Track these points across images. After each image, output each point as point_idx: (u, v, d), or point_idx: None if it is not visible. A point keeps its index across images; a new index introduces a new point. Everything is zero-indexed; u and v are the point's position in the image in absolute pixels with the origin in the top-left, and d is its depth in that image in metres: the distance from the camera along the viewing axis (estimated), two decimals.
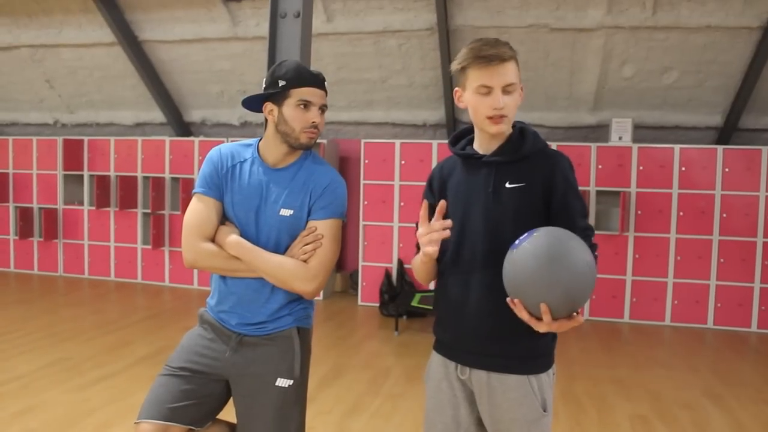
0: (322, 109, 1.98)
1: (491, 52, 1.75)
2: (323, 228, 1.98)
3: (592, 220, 6.50)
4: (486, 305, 1.79)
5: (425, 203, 1.78)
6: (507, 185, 1.80)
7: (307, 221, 1.99)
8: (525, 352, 1.79)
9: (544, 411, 1.79)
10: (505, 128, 1.82)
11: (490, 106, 1.77)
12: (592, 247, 1.76)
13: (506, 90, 1.77)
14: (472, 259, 1.82)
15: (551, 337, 1.82)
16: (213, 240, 1.99)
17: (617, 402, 4.21)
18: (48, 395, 3.99)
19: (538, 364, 1.81)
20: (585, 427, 3.76)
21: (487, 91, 1.77)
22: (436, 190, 1.95)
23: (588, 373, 4.81)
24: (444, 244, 1.82)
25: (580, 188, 1.88)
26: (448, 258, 1.87)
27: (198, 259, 1.98)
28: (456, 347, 1.87)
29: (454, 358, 1.87)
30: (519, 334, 1.76)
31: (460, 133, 1.97)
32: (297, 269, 1.93)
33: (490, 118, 1.79)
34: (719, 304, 6.34)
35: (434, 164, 6.76)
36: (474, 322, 1.80)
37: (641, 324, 6.45)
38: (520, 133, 1.85)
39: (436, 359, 1.93)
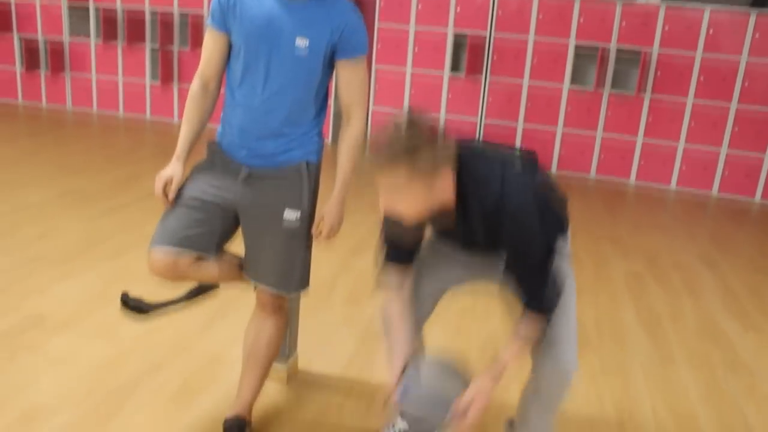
0: None
1: (375, 164, 1.62)
2: (360, 65, 2.00)
3: (608, 79, 6.35)
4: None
5: None
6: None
7: (331, 57, 1.96)
8: None
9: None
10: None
11: None
12: (543, 320, 1.75)
13: None
14: None
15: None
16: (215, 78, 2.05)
17: (614, 259, 4.33)
18: (61, 222, 4.11)
19: None
20: (580, 280, 3.88)
21: None
22: None
23: (589, 229, 4.90)
24: None
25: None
26: None
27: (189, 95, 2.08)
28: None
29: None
30: None
31: None
32: (360, 135, 2.07)
33: None
34: (727, 173, 6.33)
35: (451, 11, 6.52)
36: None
37: (647, 186, 6.48)
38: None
39: None
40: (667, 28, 6.17)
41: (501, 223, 1.65)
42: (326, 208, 2.06)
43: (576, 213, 5.36)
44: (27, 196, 4.56)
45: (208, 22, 2.01)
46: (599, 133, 6.51)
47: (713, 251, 4.70)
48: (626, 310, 3.54)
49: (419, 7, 6.64)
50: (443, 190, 1.63)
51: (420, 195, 1.60)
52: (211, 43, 2.00)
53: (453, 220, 1.74)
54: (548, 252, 1.74)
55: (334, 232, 2.07)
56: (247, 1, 1.93)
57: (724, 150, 6.29)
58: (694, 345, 3.19)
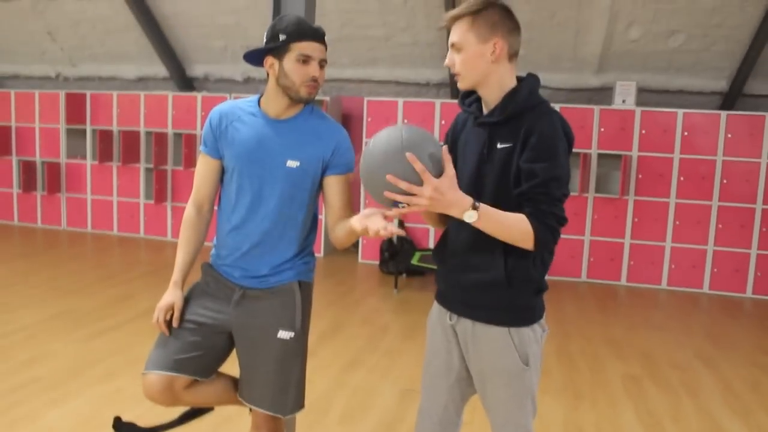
0: (322, 63, 1.99)
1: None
2: (347, 180, 2.07)
3: (592, 183, 6.53)
4: (470, 258, 1.82)
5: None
6: (498, 146, 1.77)
7: (321, 175, 2.04)
8: (506, 304, 1.81)
9: (526, 365, 1.81)
10: None
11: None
12: (543, 230, 1.66)
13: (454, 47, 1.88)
14: None
15: (532, 292, 1.84)
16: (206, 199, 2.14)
17: (610, 361, 4.30)
18: (54, 345, 4.08)
19: (519, 316, 1.82)
20: (578, 385, 3.85)
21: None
22: (449, 140, 1.97)
23: (583, 332, 4.90)
24: None
25: (574, 151, 1.85)
26: None
27: (183, 220, 2.16)
28: (447, 296, 1.93)
29: (445, 306, 1.93)
30: (500, 287, 1.78)
31: (469, 91, 1.94)
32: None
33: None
34: (716, 270, 6.40)
35: (437, 123, 6.78)
36: (459, 273, 1.85)
37: (638, 287, 6.52)
38: (512, 92, 1.79)
39: (435, 305, 2.00)
40: (644, 131, 6.42)
41: (531, 124, 1.71)
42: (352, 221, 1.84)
43: (569, 316, 5.37)
44: (20, 319, 4.55)
45: (200, 148, 2.11)
46: (587, 236, 6.63)
47: (709, 348, 4.69)
48: (626, 413, 3.49)
49: (405, 122, 6.90)
50: (502, 69, 1.80)
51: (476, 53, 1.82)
52: (204, 168, 2.10)
53: (498, 107, 1.79)
54: (562, 177, 1.69)
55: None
56: (237, 124, 2.04)
57: (710, 247, 6.39)
58: None
